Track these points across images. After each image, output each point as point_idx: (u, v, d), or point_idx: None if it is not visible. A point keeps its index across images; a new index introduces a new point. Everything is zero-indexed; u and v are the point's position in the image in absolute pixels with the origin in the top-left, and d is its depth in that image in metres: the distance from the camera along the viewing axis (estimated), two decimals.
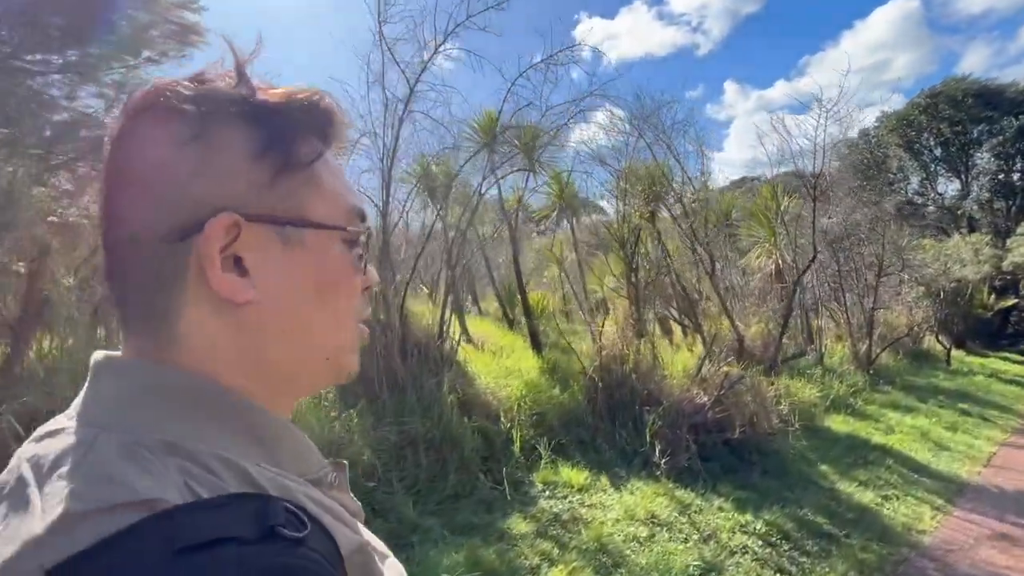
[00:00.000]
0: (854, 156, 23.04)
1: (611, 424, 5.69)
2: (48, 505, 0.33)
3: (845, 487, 5.18)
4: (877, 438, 6.73)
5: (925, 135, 26.44)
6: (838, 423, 7.20)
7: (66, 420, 0.41)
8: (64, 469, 0.35)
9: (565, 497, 4.53)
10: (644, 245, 7.79)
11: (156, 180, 0.43)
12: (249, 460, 0.41)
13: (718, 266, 8.81)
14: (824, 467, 5.64)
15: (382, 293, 5.33)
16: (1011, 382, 11.53)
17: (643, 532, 4.04)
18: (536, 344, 7.42)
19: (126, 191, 0.44)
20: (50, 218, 4.61)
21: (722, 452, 5.46)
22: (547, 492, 4.59)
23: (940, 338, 13.49)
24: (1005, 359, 15.04)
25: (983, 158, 25.66)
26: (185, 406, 0.42)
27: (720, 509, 4.50)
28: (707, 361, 6.26)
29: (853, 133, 19.73)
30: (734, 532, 4.15)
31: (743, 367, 6.51)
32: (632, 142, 7.80)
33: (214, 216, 0.42)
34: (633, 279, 7.33)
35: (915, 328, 12.54)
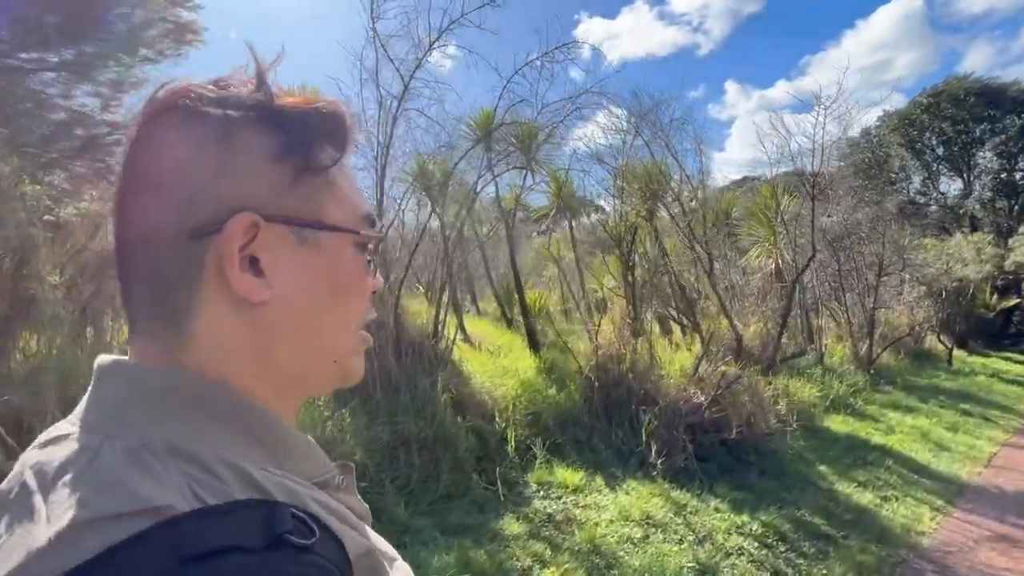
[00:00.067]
0: (856, 155, 22.98)
1: (607, 424, 5.65)
2: (54, 513, 0.33)
3: (844, 488, 5.12)
4: (877, 438, 6.67)
5: (927, 134, 26.34)
6: (837, 423, 7.14)
7: (68, 426, 0.41)
8: (69, 477, 0.35)
9: (559, 497, 4.49)
10: (642, 244, 7.75)
11: (178, 180, 0.43)
12: (253, 463, 0.41)
13: (717, 265, 8.76)
14: (823, 467, 5.59)
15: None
16: (1013, 382, 11.45)
17: (637, 533, 4.00)
18: (533, 343, 7.38)
19: (147, 190, 0.44)
20: (46, 217, 4.59)
21: (719, 452, 5.41)
22: (541, 492, 4.55)
23: (942, 338, 13.41)
24: (1007, 359, 14.95)
25: (985, 157, 25.59)
26: (186, 407, 0.41)
27: (716, 510, 4.45)
28: (704, 361, 6.22)
29: (854, 132, 19.63)
30: (730, 533, 4.10)
31: (741, 367, 6.46)
32: (630, 140, 7.77)
33: (234, 216, 0.43)
34: (630, 278, 7.28)
35: (916, 328, 12.47)
